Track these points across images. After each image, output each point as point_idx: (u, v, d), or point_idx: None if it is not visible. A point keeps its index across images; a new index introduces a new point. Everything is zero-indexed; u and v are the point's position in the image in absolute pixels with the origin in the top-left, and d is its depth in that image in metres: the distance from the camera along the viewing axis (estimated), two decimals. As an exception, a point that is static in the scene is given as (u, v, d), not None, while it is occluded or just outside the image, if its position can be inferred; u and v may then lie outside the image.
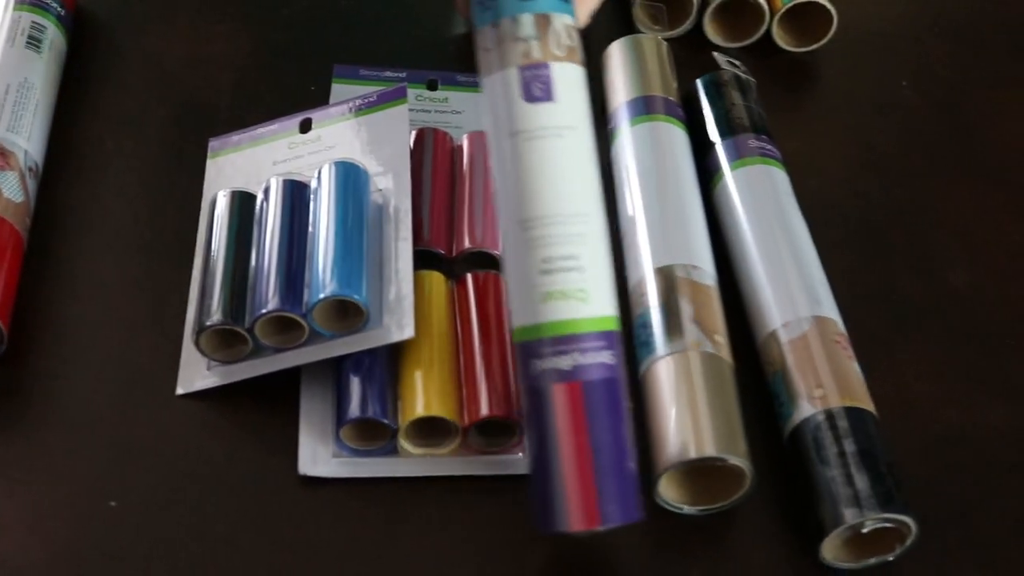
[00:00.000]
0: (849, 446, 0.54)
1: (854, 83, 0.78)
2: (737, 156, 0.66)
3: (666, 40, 0.76)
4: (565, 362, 0.49)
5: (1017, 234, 0.70)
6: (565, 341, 0.49)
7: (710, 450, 0.53)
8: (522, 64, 0.52)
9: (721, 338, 0.58)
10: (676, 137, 0.67)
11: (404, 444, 0.55)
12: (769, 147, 0.67)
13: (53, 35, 0.69)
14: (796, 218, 0.64)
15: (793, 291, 0.60)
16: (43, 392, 0.58)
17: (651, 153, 0.66)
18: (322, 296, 0.56)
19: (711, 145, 0.68)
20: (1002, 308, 0.66)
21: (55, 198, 0.65)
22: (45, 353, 0.59)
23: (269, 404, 0.57)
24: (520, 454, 0.56)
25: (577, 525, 0.48)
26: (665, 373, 0.56)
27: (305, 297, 0.56)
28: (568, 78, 0.52)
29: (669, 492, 0.55)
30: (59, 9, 0.71)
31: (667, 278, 0.59)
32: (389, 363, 0.57)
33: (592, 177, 0.52)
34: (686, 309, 0.58)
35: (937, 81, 0.79)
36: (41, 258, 0.62)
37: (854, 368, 0.57)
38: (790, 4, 0.76)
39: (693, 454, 0.53)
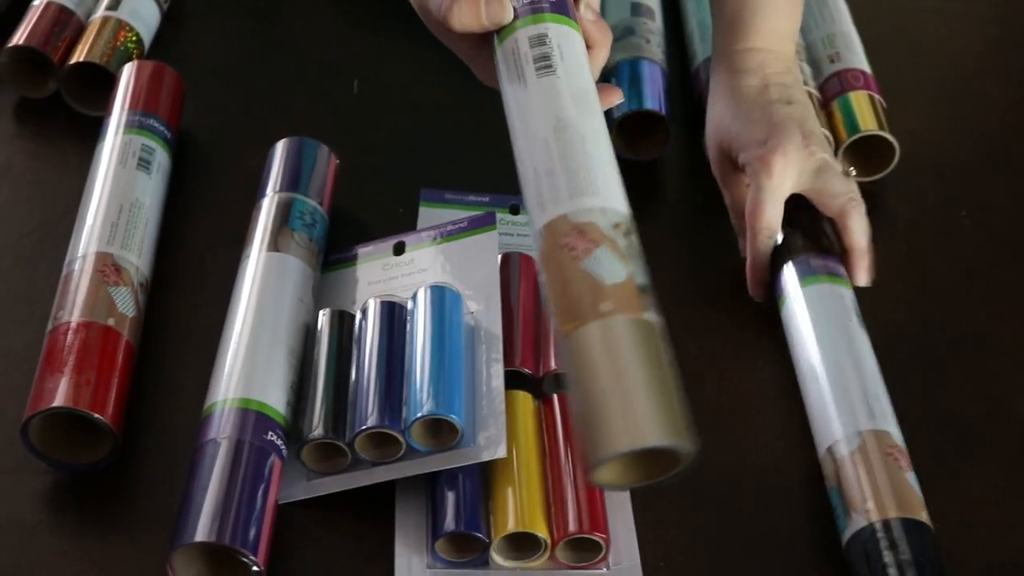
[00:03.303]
0: (902, 555, 0.56)
1: (916, 212, 0.81)
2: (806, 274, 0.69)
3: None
4: None
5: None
6: None
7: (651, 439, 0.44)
8: None
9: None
10: None
11: (496, 557, 0.58)
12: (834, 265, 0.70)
13: (160, 157, 0.73)
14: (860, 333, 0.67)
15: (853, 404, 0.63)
16: (149, 496, 0.61)
17: None
18: (420, 414, 0.59)
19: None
20: (1063, 435, 0.68)
21: (161, 310, 0.69)
22: (152, 460, 0.63)
23: (366, 515, 0.60)
24: (604, 569, 0.58)
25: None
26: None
27: (403, 414, 0.60)
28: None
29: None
30: (166, 132, 0.75)
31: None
32: (481, 478, 0.60)
33: None
34: None
35: (995, 211, 0.82)
36: (150, 368, 0.66)
37: (907, 479, 0.60)
38: (855, 136, 0.79)
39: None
